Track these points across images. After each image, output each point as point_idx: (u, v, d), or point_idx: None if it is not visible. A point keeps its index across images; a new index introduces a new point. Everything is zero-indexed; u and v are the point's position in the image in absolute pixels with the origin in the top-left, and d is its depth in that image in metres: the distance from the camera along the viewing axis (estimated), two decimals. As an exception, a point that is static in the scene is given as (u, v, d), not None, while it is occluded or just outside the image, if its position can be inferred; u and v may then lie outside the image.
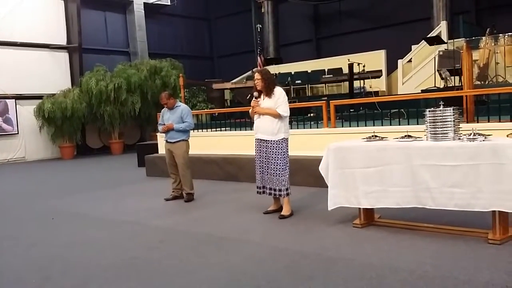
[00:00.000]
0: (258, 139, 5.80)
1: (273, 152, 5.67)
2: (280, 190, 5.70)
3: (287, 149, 5.75)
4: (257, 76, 5.72)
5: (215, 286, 3.59)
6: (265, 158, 5.73)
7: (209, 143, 9.76)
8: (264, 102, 5.69)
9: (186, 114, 7.13)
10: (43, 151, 17.50)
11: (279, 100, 5.61)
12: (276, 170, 5.66)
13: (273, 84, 5.74)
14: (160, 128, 7.34)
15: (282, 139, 5.67)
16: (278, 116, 5.61)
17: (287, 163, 5.71)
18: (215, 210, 6.42)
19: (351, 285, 3.43)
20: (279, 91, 5.68)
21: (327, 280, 3.55)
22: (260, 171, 5.82)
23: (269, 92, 5.66)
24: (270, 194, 5.81)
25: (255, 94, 5.75)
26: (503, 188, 4.06)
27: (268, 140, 5.68)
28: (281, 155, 5.66)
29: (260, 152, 5.79)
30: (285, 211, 5.73)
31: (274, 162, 5.66)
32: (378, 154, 4.73)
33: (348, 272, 3.69)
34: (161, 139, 10.68)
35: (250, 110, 5.92)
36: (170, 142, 7.16)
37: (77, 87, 17.52)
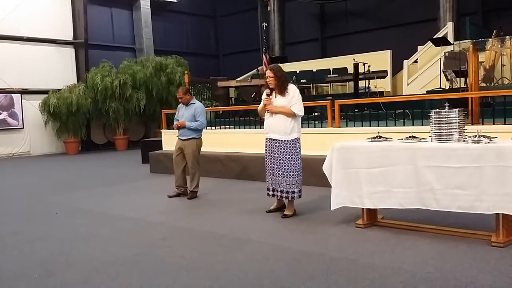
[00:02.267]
0: (270, 138, 5.61)
1: (286, 152, 5.50)
2: (293, 193, 5.53)
3: (300, 149, 5.62)
4: (269, 73, 5.50)
5: (217, 284, 3.60)
6: (277, 159, 5.54)
7: (213, 141, 9.76)
8: (277, 100, 5.51)
9: (199, 113, 7.14)
10: (48, 146, 17.55)
11: (293, 98, 5.44)
12: (289, 172, 5.50)
13: (286, 81, 5.54)
14: (174, 123, 7.37)
15: (295, 139, 5.52)
16: (292, 115, 5.45)
17: (299, 164, 5.58)
18: (218, 208, 6.42)
19: (353, 285, 3.43)
20: (293, 89, 5.51)
21: (329, 280, 3.55)
22: (270, 172, 5.64)
23: (282, 90, 5.47)
24: (281, 197, 5.64)
25: (267, 91, 5.57)
26: (508, 190, 4.04)
27: (281, 140, 5.51)
28: (294, 155, 5.51)
29: (271, 153, 5.60)
30: (288, 211, 5.68)
31: (287, 163, 5.49)
32: (382, 154, 4.72)
33: (350, 272, 3.68)
34: (165, 136, 10.71)
35: (259, 107, 5.73)
36: (181, 139, 7.20)
37: (82, 82, 17.55)
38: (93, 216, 6.31)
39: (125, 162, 13.42)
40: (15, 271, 4.16)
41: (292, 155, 5.51)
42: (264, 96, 5.66)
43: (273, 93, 5.57)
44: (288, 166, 5.51)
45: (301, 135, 5.67)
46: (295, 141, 5.53)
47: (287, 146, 5.51)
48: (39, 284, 3.81)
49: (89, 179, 10.15)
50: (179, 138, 7.26)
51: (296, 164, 5.53)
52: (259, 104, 5.76)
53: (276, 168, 5.57)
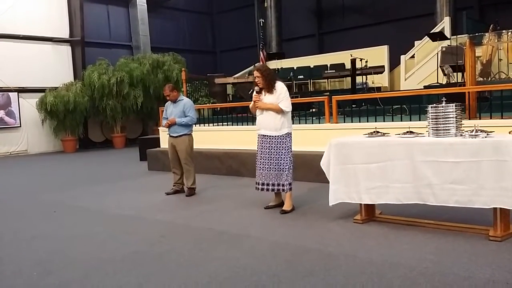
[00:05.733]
0: (261, 135, 5.78)
1: (278, 147, 5.67)
2: (283, 185, 5.71)
3: (291, 143, 5.79)
4: (256, 73, 5.70)
5: (215, 281, 3.60)
6: (268, 154, 5.70)
7: (210, 138, 9.76)
8: (266, 98, 5.70)
9: (188, 108, 7.13)
10: (45, 144, 17.53)
11: (280, 95, 5.63)
12: (281, 165, 5.67)
13: (273, 79, 5.74)
14: (163, 122, 7.34)
15: (286, 134, 5.70)
16: (280, 111, 5.62)
17: (291, 158, 5.75)
18: (216, 205, 6.43)
19: (351, 281, 3.43)
20: (280, 86, 5.70)
21: (327, 275, 3.56)
22: (261, 167, 5.78)
23: (270, 88, 5.67)
24: (272, 190, 5.78)
25: (256, 88, 5.73)
26: (505, 185, 4.05)
27: (273, 136, 5.68)
28: (285, 150, 5.69)
29: (262, 148, 5.76)
30: (286, 206, 5.73)
31: (279, 157, 5.66)
32: (379, 150, 4.72)
33: (349, 268, 3.69)
34: (163, 133, 10.68)
35: (250, 105, 5.91)
36: (173, 137, 7.16)
37: (79, 80, 17.53)
38: (91, 214, 6.31)
39: (123, 160, 13.41)
40: (13, 269, 4.15)
41: (283, 149, 5.69)
42: (254, 93, 5.84)
43: (263, 91, 5.75)
44: (279, 160, 5.68)
45: (292, 130, 5.83)
46: (285, 136, 5.71)
47: (278, 141, 5.69)
48: (37, 282, 3.81)
49: (87, 177, 10.14)
50: (170, 136, 7.22)
51: (287, 158, 5.71)
52: None
53: (268, 162, 5.74)
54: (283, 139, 5.69)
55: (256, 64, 17.67)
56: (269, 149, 5.71)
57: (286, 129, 5.71)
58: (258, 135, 5.83)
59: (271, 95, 5.67)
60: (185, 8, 23.70)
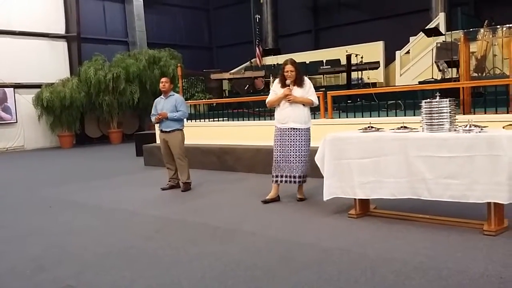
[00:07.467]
0: (290, 128, 5.86)
1: (302, 139, 5.87)
2: (300, 177, 5.88)
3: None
4: (289, 67, 5.80)
5: (210, 276, 3.61)
6: (293, 146, 5.85)
7: (206, 133, 9.75)
8: (295, 91, 5.83)
9: (180, 103, 7.15)
10: (42, 140, 17.48)
11: (310, 89, 5.90)
12: (302, 157, 5.86)
13: (302, 74, 6.02)
14: (153, 118, 7.32)
15: (309, 127, 5.96)
16: (310, 104, 5.90)
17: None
18: (212, 200, 6.44)
19: (345, 275, 3.45)
20: (308, 81, 5.99)
21: (321, 270, 3.57)
22: (290, 160, 5.87)
23: (301, 82, 5.86)
24: (286, 182, 5.91)
25: (287, 82, 5.83)
26: (499, 179, 4.06)
27: (301, 129, 5.87)
28: (308, 142, 5.94)
29: (290, 141, 5.87)
30: (303, 195, 6.03)
31: (303, 149, 5.87)
32: (374, 145, 4.74)
33: (343, 263, 3.70)
34: (159, 129, 10.67)
35: (271, 98, 5.97)
36: (165, 132, 7.15)
37: (75, 76, 17.46)
38: (87, 209, 6.31)
39: (119, 155, 13.39)
40: (6, 267, 4.13)
41: (307, 141, 5.96)
42: (275, 86, 6.03)
43: (290, 85, 5.88)
44: (304, 152, 5.88)
45: None
46: (309, 129, 5.98)
47: (305, 134, 5.91)
48: (30, 279, 3.79)
49: (84, 172, 10.13)
50: (162, 131, 7.21)
51: (308, 149, 5.92)
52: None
53: (293, 155, 5.87)
54: (308, 131, 5.95)
55: (252, 60, 17.79)
56: (296, 141, 5.86)
57: (310, 122, 6.00)
58: (284, 128, 5.91)
59: (300, 89, 5.84)
60: (181, 3, 23.61)
